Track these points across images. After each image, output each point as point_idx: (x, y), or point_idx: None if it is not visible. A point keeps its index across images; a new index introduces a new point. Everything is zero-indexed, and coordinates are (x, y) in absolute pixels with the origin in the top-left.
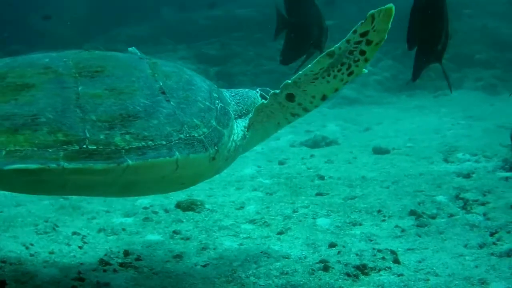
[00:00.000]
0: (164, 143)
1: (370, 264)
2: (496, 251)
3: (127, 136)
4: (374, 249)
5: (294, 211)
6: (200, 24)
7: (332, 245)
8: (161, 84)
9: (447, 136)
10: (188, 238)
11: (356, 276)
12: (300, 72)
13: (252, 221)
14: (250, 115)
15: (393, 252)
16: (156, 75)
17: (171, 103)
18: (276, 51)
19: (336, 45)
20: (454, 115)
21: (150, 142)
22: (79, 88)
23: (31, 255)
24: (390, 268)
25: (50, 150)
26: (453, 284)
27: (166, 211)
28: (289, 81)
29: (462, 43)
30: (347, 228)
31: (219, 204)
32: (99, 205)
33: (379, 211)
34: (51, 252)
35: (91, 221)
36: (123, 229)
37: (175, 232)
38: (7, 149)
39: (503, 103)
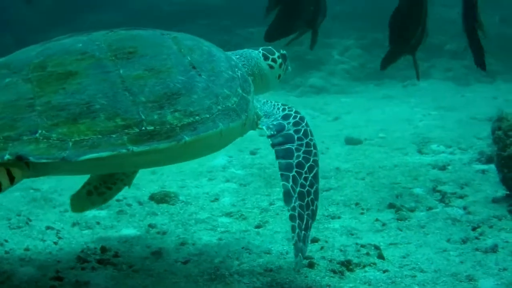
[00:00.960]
0: (208, 116)
1: (355, 260)
2: (480, 247)
3: (177, 114)
4: (357, 244)
5: (271, 204)
6: (166, 10)
7: (314, 240)
8: (189, 59)
9: (419, 126)
10: (164, 233)
11: (342, 273)
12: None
13: (228, 214)
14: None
15: (376, 247)
16: (182, 50)
17: (203, 76)
18: (243, 39)
19: None
20: (425, 105)
21: (197, 117)
22: (121, 71)
23: (6, 252)
24: (375, 264)
25: (114, 136)
26: (440, 281)
27: (140, 203)
28: None
29: (432, 33)
30: (326, 222)
31: (193, 196)
32: None
33: (357, 204)
34: (27, 249)
35: (64, 214)
36: (98, 223)
37: (150, 225)
38: (73, 139)
39: (474, 94)
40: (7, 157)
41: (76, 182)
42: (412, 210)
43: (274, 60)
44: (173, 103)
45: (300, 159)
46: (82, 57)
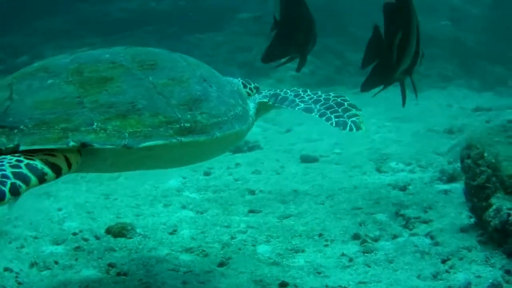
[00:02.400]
0: (226, 119)
1: None
2: (453, 284)
3: (204, 115)
4: (326, 286)
5: (232, 238)
6: (115, 17)
7: (283, 285)
8: (199, 72)
9: (375, 140)
10: (126, 274)
11: None
12: None
13: (189, 250)
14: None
15: None
16: (191, 65)
17: (213, 88)
18: (190, 45)
19: None
20: (379, 116)
21: (219, 119)
22: (150, 78)
23: None
24: None
25: (161, 129)
26: None
27: (97, 237)
28: None
29: None
30: (290, 256)
31: (150, 227)
32: (26, 229)
33: (320, 235)
34: None
35: (20, 250)
36: (56, 262)
37: (110, 265)
38: (128, 131)
39: (428, 101)
40: (71, 143)
41: (28, 210)
42: (376, 239)
43: (251, 89)
44: (198, 106)
45: (293, 93)
46: (113, 65)
